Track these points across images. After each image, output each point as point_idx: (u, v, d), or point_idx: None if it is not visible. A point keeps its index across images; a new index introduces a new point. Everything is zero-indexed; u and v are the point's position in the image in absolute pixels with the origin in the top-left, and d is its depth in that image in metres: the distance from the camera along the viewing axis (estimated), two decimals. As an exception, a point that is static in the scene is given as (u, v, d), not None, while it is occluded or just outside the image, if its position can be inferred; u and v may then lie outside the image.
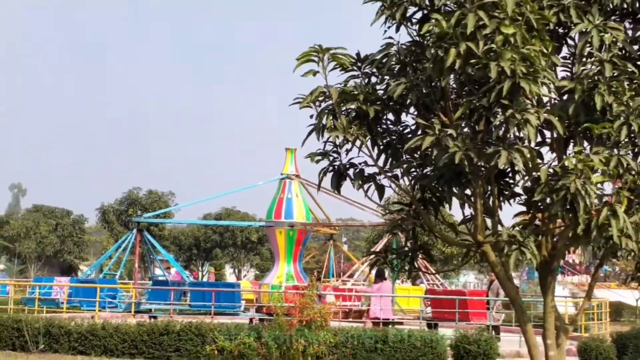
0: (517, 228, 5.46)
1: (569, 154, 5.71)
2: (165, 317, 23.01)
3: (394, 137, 6.11)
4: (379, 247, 28.15)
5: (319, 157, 6.06)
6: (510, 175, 6.21)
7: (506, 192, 6.31)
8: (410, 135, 5.96)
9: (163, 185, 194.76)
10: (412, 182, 6.11)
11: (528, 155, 5.18)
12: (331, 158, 6.13)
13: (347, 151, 6.09)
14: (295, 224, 27.23)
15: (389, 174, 6.08)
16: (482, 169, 5.51)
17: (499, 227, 6.10)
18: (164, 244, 35.56)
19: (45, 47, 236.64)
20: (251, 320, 24.11)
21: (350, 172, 6.19)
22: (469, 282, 68.13)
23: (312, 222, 28.61)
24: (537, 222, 6.08)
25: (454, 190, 5.58)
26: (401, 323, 25.01)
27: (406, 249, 6.70)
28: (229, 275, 68.42)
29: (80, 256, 73.26)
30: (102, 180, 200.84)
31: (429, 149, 5.22)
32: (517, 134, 5.30)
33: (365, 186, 6.24)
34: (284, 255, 27.39)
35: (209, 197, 40.47)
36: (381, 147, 6.16)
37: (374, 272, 23.53)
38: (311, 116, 6.11)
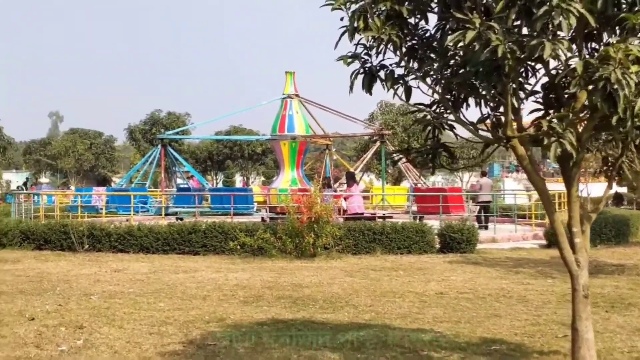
0: (554, 121, 4.64)
1: (602, 46, 4.89)
2: (191, 218, 22.57)
3: (424, 38, 5.22)
4: (368, 154, 27.57)
5: (350, 60, 5.18)
6: (523, 74, 5.34)
7: (524, 91, 5.45)
8: (441, 34, 5.10)
9: (180, 107, 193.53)
10: (442, 81, 5.24)
11: (566, 46, 4.34)
12: (362, 60, 5.23)
13: (378, 53, 5.21)
14: (296, 137, 26.68)
15: (420, 74, 5.21)
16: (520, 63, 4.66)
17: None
18: (183, 157, 34.78)
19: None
20: (262, 219, 23.68)
21: (382, 74, 5.29)
22: (437, 182, 67.80)
23: (311, 135, 27.96)
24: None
25: (490, 85, 4.73)
26: (391, 217, 24.56)
27: (428, 147, 5.84)
28: (238, 183, 68.13)
29: (112, 170, 73.07)
30: (128, 104, 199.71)
31: (469, 45, 4.36)
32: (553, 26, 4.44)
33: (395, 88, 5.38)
34: (288, 164, 26.98)
35: (220, 116, 39.73)
36: (411, 47, 5.27)
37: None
38: (342, 19, 5.22)
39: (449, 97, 5.67)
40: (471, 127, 5.44)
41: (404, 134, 43.30)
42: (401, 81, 5.35)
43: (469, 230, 17.88)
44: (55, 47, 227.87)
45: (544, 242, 20.16)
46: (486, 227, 22.62)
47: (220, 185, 63.64)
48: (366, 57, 5.27)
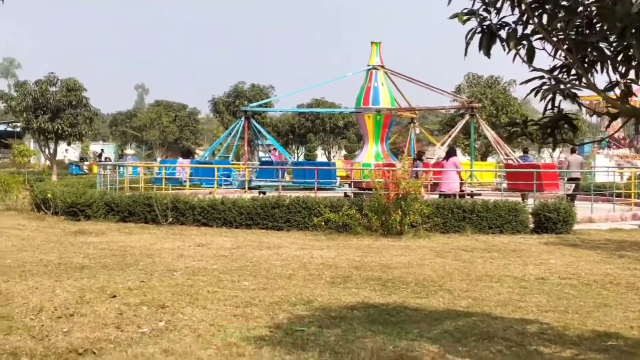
0: None
1: None
2: (273, 192, 22.31)
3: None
4: (457, 128, 26.63)
5: (467, 17, 4.51)
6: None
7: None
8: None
9: (264, 79, 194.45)
10: (574, 41, 4.51)
11: None
12: (480, 17, 4.56)
13: (498, 10, 4.53)
14: (381, 109, 26.02)
15: (548, 33, 4.50)
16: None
17: None
18: (266, 131, 34.55)
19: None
20: (345, 194, 23.19)
21: (502, 33, 4.61)
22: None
23: (396, 107, 27.20)
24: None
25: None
26: (480, 194, 23.69)
27: (547, 119, 5.14)
28: (320, 156, 67.83)
29: (195, 142, 73.88)
30: (212, 77, 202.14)
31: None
32: None
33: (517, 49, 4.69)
34: (372, 138, 26.36)
35: (304, 88, 39.33)
36: (536, 1, 4.57)
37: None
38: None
39: (584, 58, 4.96)
40: (607, 96, 4.71)
41: (492, 107, 41.89)
42: (524, 41, 4.66)
43: (565, 210, 16.92)
44: (140, 19, 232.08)
45: (648, 222, 19.08)
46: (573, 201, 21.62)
47: (301, 158, 63.43)
48: (485, 14, 4.60)
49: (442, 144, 26.46)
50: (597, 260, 12.45)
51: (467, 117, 26.07)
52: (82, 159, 57.31)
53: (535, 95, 5.40)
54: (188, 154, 60.90)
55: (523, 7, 4.72)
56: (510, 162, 25.11)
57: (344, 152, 67.72)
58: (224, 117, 56.78)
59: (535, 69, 5.22)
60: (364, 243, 14.53)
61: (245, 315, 7.69)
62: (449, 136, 26.49)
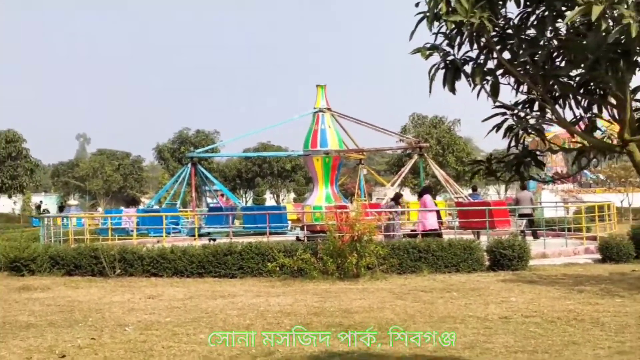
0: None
1: None
2: (223, 238, 21.91)
3: (515, 25, 4.40)
4: (406, 168, 26.68)
5: (429, 52, 4.35)
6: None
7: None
8: (539, 20, 4.28)
9: (209, 124, 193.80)
10: (540, 75, 4.40)
11: None
12: (443, 52, 4.42)
13: (461, 44, 4.39)
14: (330, 152, 25.86)
15: (517, 67, 4.37)
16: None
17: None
18: (213, 176, 34.14)
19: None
20: (297, 238, 22.92)
21: (467, 68, 4.47)
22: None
23: (344, 149, 27.14)
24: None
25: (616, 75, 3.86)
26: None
27: (512, 155, 5.02)
28: (269, 200, 67.46)
29: (140, 190, 72.80)
30: (154, 124, 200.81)
31: (594, 23, 3.52)
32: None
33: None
34: (322, 180, 26.14)
35: (250, 132, 39.17)
36: (500, 35, 4.45)
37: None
38: (417, 4, 4.42)
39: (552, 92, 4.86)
40: (577, 130, 4.59)
41: (438, 146, 42.33)
42: (488, 76, 4.53)
43: (520, 246, 16.93)
44: (78, 67, 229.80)
45: (597, 256, 19.19)
46: (536, 237, 21.99)
47: (250, 203, 62.99)
48: (447, 49, 4.46)
49: (393, 184, 26.45)
50: (557, 296, 12.38)
51: (415, 156, 26.16)
52: (44, 211, 55.54)
53: (497, 131, 5.29)
54: (133, 202, 60.02)
55: (483, 42, 4.60)
56: (460, 200, 25.20)
57: (292, 195, 67.57)
58: (169, 164, 56.21)
59: (501, 105, 5.10)
60: (320, 287, 14.23)
61: (205, 371, 7.31)
62: (399, 176, 26.52)
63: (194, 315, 11.00)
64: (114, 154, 72.16)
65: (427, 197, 21.70)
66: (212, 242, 20.87)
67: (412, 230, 24.32)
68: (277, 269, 15.87)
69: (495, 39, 4.62)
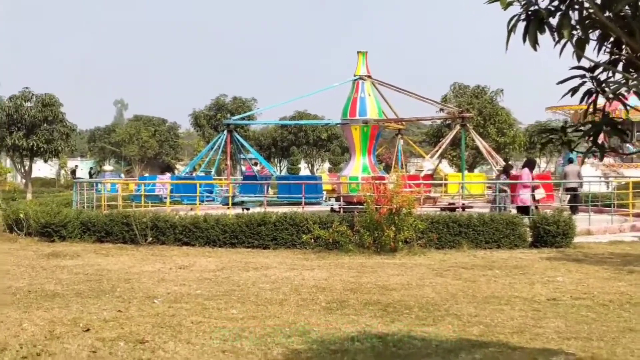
0: None
1: None
2: (257, 208, 21.55)
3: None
4: (447, 139, 25.96)
5: (510, 0, 3.78)
6: None
7: None
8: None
9: (246, 91, 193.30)
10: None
11: None
12: (525, 2, 3.84)
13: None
14: (369, 121, 25.22)
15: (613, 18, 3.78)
16: None
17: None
18: (249, 144, 33.72)
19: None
20: (332, 209, 22.51)
21: (552, 19, 3.88)
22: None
23: (384, 119, 26.48)
24: None
25: None
26: (471, 207, 23.08)
27: (589, 124, 4.44)
28: (303, 170, 67.05)
29: (176, 157, 72.81)
30: (191, 90, 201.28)
31: None
32: None
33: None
34: (359, 150, 25.52)
35: (287, 100, 38.68)
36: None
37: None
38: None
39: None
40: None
41: (479, 117, 41.38)
42: (574, 30, 3.95)
43: (565, 222, 16.26)
44: (117, 34, 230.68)
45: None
46: (575, 212, 21.23)
47: (284, 172, 62.65)
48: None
49: (432, 156, 25.81)
50: (606, 277, 11.77)
51: (457, 127, 25.42)
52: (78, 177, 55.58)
53: (572, 95, 4.72)
54: (167, 169, 60.02)
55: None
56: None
57: (327, 165, 67.06)
58: (205, 131, 55.92)
59: (574, 67, 4.52)
60: (356, 261, 13.77)
61: (235, 351, 6.89)
62: (440, 147, 25.86)
63: (225, 288, 10.61)
64: (150, 120, 72.12)
65: (525, 171, 20.91)
66: (245, 211, 20.53)
67: (449, 204, 23.77)
68: (312, 241, 15.45)
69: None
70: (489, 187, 27.96)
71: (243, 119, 35.87)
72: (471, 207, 22.79)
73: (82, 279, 11.53)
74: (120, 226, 17.08)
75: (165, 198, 23.91)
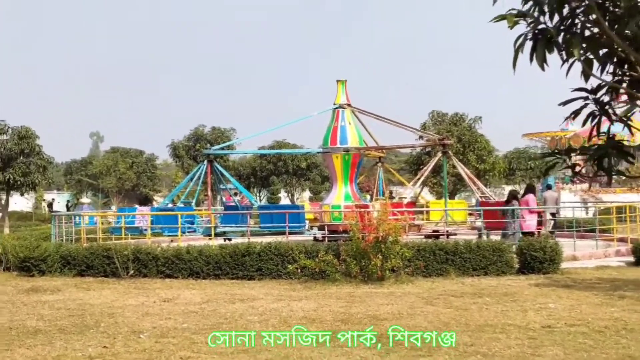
0: None
1: None
2: (239, 238, 21.35)
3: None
4: (430, 166, 25.91)
5: (517, 19, 3.66)
6: None
7: None
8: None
9: (224, 121, 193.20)
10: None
11: None
12: (532, 21, 3.73)
13: (552, 12, 3.69)
14: (350, 149, 25.13)
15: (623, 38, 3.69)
16: None
17: None
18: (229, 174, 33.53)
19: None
20: (315, 237, 22.34)
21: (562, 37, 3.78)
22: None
23: (365, 147, 26.43)
24: None
25: None
26: (455, 234, 22.99)
27: (595, 147, 4.33)
28: (284, 199, 66.78)
29: (154, 188, 72.24)
30: (168, 121, 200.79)
31: None
32: None
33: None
34: (341, 178, 25.40)
35: (267, 129, 38.60)
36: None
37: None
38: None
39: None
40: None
41: (458, 144, 41.51)
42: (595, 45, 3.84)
43: (552, 248, 16.21)
44: (94, 66, 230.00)
45: (629, 259, 18.52)
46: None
47: (264, 201, 62.38)
48: (539, 15, 3.76)
49: (415, 183, 25.74)
50: (598, 302, 11.66)
51: (439, 154, 25.41)
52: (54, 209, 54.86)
53: (574, 118, 4.62)
54: (145, 201, 59.54)
55: (574, 6, 3.90)
56: (484, 199, 24.47)
57: (307, 194, 66.88)
58: (184, 162, 55.62)
59: (576, 89, 4.42)
60: (344, 291, 13.57)
61: (228, 387, 6.66)
62: (422, 174, 25.79)
63: (212, 321, 10.36)
64: (128, 152, 71.68)
65: (530, 197, 21.24)
66: (227, 241, 20.27)
67: (434, 231, 23.66)
68: (298, 271, 15.23)
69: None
70: (471, 214, 27.96)
71: (223, 148, 35.71)
72: (455, 235, 22.70)
73: (65, 314, 11.21)
74: (101, 259, 16.77)
75: (146, 230, 23.58)
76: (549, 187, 25.00)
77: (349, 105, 25.81)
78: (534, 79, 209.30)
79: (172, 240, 21.67)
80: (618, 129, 4.89)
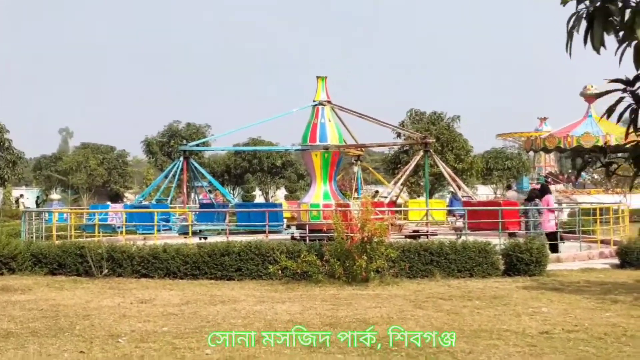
0: None
1: None
2: (215, 237, 20.88)
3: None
4: (411, 165, 25.59)
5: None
6: None
7: None
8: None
9: (200, 118, 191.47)
10: None
11: None
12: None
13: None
14: (329, 147, 24.71)
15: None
16: None
17: None
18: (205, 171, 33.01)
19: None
20: (292, 237, 21.95)
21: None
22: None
23: (345, 144, 26.02)
24: None
25: None
26: (436, 234, 22.69)
27: (629, 145, 3.96)
28: (258, 197, 66.25)
29: (125, 185, 71.42)
30: (140, 117, 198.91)
31: None
32: None
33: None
34: (320, 176, 24.98)
35: (243, 126, 38.07)
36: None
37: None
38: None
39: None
40: None
41: (437, 143, 41.32)
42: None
43: (538, 250, 15.98)
44: (63, 60, 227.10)
45: (614, 261, 18.34)
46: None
47: (238, 199, 61.81)
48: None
49: (396, 182, 25.41)
50: (591, 307, 11.39)
51: (421, 153, 25.08)
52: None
53: (609, 117, 4.26)
54: (116, 197, 58.67)
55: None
56: (467, 199, 24.21)
57: (282, 192, 66.43)
58: (158, 158, 54.87)
59: (614, 80, 4.06)
60: (328, 293, 13.17)
61: (217, 398, 6.24)
62: (403, 173, 25.45)
63: (194, 325, 9.91)
64: (98, 148, 70.76)
65: (550, 197, 21.17)
66: (203, 240, 19.79)
67: (414, 231, 23.35)
68: (279, 272, 14.81)
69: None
70: (453, 215, 27.70)
71: (198, 145, 35.15)
72: (435, 234, 22.41)
73: (37, 316, 10.69)
74: (73, 257, 16.21)
75: (119, 227, 23.00)
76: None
77: (329, 102, 25.40)
78: (502, 78, 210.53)
79: (144, 238, 21.12)
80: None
